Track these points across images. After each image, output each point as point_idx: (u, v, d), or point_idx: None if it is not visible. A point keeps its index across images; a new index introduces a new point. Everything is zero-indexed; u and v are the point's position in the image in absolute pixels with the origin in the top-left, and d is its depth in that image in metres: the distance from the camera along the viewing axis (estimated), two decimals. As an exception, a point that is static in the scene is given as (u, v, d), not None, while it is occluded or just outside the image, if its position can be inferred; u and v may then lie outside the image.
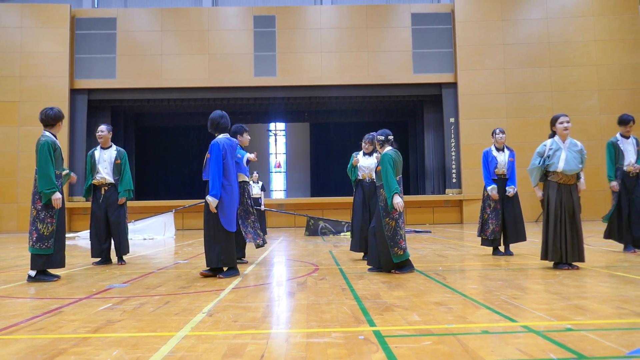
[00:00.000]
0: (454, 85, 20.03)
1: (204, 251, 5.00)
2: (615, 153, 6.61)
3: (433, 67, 19.97)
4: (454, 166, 19.51)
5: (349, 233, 11.17)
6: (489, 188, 6.49)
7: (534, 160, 5.17)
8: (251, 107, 20.74)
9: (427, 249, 7.94)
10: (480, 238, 6.71)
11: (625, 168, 6.55)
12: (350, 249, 6.49)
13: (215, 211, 4.80)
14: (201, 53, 18.53)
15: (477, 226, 6.91)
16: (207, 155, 4.93)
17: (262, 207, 11.93)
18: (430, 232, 12.75)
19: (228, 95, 18.93)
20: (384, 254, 4.94)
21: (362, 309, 3.29)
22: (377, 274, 5.00)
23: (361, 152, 6.52)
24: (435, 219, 19.24)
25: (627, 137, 6.63)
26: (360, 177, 6.46)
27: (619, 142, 6.62)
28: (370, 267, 5.24)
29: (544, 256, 5.08)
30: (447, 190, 19.31)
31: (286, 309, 3.38)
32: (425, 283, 4.34)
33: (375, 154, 6.26)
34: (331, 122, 24.10)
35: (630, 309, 3.06)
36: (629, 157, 6.53)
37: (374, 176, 6.17)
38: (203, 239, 4.97)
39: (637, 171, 6.50)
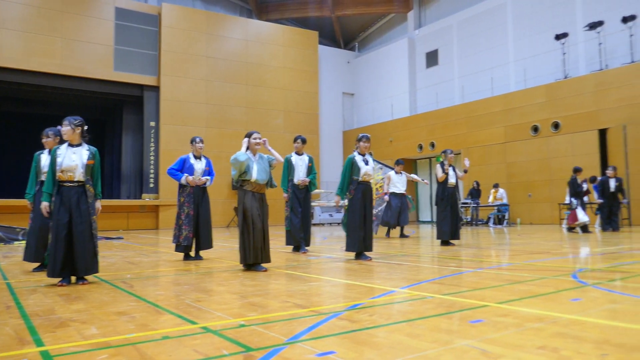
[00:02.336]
0: (156, 89, 19.77)
1: None
2: (288, 167, 7.72)
3: (136, 67, 19.30)
4: (152, 171, 19.19)
5: (24, 242, 9.72)
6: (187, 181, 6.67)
7: (235, 155, 5.56)
8: None
9: (118, 256, 7.57)
10: (175, 244, 6.78)
11: (295, 181, 7.66)
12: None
13: None
14: None
15: (172, 232, 6.95)
16: None
17: None
18: (122, 238, 12.21)
19: None
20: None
21: (30, 327, 2.91)
22: (55, 287, 4.51)
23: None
24: (130, 225, 18.51)
25: (300, 154, 7.80)
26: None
27: (292, 158, 7.77)
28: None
29: (243, 260, 5.46)
30: (143, 195, 18.83)
31: None
32: (110, 293, 4.13)
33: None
34: (11, 111, 20.71)
35: (293, 302, 3.56)
36: (299, 171, 7.69)
37: None
38: None
39: (306, 184, 7.68)
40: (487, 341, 2.41)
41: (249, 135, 5.66)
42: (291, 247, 7.85)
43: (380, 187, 11.66)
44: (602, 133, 15.82)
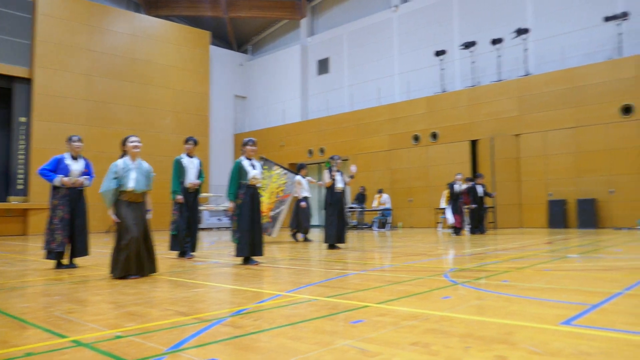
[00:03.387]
0: (28, 82, 18.10)
1: None
2: (179, 169, 7.42)
3: (4, 56, 17.52)
4: (21, 171, 17.50)
5: None
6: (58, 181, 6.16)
7: (109, 182, 5.17)
8: None
9: (-24, 265, 6.78)
10: (46, 251, 6.22)
11: (186, 184, 7.42)
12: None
13: None
14: None
15: (43, 238, 6.36)
16: None
17: None
18: (-16, 245, 10.97)
19: None
20: None
21: None
22: None
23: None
24: (-6, 230, 16.71)
25: (191, 157, 7.56)
26: None
27: (183, 160, 7.47)
28: None
29: (113, 271, 5.14)
30: (10, 198, 17.10)
31: None
32: (-35, 306, 3.69)
33: None
34: None
35: (175, 309, 3.44)
36: (190, 174, 7.45)
37: None
38: None
39: (197, 187, 7.48)
40: (366, 340, 2.52)
41: (124, 141, 5.35)
42: (176, 252, 7.57)
43: (282, 190, 11.70)
44: (474, 143, 17.31)
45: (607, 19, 15.06)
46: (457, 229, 12.83)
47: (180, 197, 7.33)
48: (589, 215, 14.56)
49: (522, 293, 3.84)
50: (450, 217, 13.01)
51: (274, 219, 11.55)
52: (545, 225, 15.52)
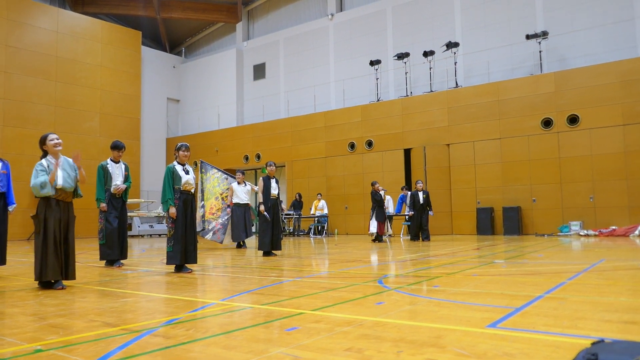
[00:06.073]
0: (-63, 77, 16.81)
1: None
2: (104, 175, 7.12)
3: None
4: None
5: None
6: None
7: (39, 176, 4.85)
8: None
9: None
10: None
11: (112, 189, 7.12)
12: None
13: None
14: None
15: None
16: None
17: None
18: None
19: None
20: None
21: None
22: None
23: None
24: None
25: (117, 162, 7.28)
26: None
27: (108, 166, 7.19)
28: None
29: (39, 276, 4.83)
30: None
31: None
32: None
33: None
34: None
35: (102, 320, 3.30)
36: (116, 179, 7.17)
37: None
38: None
39: (122, 191, 7.19)
40: (301, 347, 2.53)
41: (43, 140, 5.05)
42: (105, 261, 7.25)
43: (226, 197, 11.55)
44: (407, 152, 17.86)
45: (528, 37, 16.07)
46: (379, 236, 13.06)
47: (104, 205, 7.04)
48: (514, 222, 15.39)
49: (452, 297, 4.00)
50: (373, 225, 13.16)
51: (224, 225, 11.42)
52: (474, 232, 16.24)
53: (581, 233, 13.95)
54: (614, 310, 3.34)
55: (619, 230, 13.36)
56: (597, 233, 13.61)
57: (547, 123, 15.37)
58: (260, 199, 8.90)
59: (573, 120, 14.99)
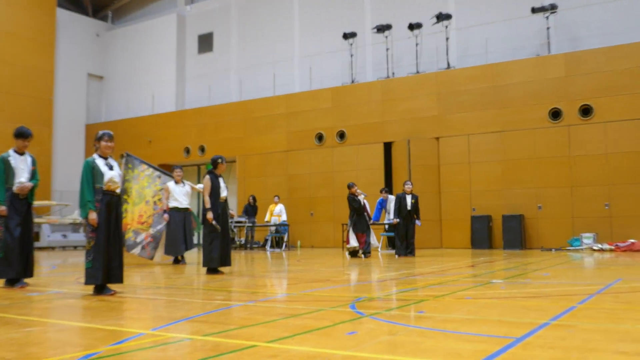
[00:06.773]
0: None
1: None
2: (5, 170, 6.88)
3: None
4: None
5: None
6: None
7: None
8: None
9: None
10: None
11: (15, 188, 6.86)
12: None
13: None
14: None
15: None
16: None
17: None
18: None
19: None
20: None
21: None
22: None
23: None
24: None
25: (22, 154, 7.03)
26: None
27: (10, 158, 6.93)
28: None
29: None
30: None
31: None
32: None
33: None
34: None
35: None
36: (21, 176, 6.92)
37: None
38: None
39: (28, 192, 6.97)
40: (253, 389, 2.51)
41: None
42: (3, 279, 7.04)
43: (159, 200, 11.30)
44: (387, 147, 18.00)
45: (534, 10, 16.46)
46: (355, 252, 13.06)
47: (3, 208, 6.81)
48: (515, 234, 15.70)
49: (439, 326, 4.04)
50: (352, 238, 13.11)
51: (155, 237, 11.15)
52: (468, 245, 16.48)
53: (595, 247, 14.33)
54: (631, 340, 3.44)
55: (639, 244, 13.78)
56: (613, 247, 14.02)
57: (555, 114, 15.75)
58: (207, 203, 8.73)
59: (586, 111, 15.41)
